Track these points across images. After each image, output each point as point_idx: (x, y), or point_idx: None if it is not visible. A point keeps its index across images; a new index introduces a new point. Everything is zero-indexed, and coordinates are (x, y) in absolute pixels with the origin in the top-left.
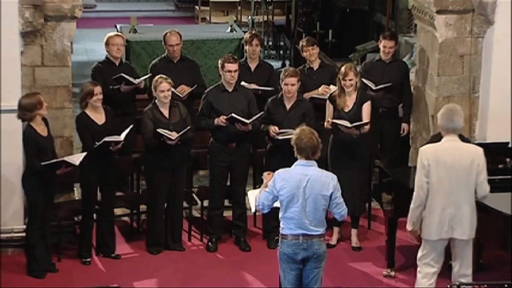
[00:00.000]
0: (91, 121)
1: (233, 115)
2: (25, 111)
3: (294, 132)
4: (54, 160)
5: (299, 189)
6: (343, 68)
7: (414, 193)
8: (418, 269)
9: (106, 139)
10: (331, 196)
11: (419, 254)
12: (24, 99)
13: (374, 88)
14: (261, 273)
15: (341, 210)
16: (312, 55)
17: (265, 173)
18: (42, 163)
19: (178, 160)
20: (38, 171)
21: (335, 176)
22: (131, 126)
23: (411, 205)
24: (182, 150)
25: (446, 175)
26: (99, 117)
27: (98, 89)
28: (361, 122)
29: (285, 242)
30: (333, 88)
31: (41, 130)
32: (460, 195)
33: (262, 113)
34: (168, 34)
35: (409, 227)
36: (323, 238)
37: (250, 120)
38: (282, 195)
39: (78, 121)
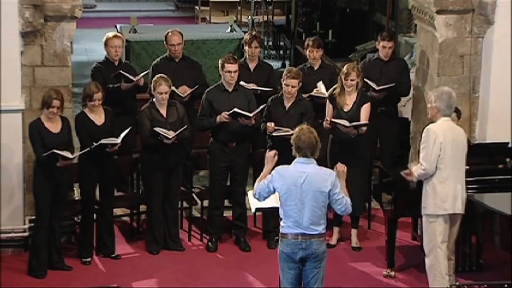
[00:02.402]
0: (89, 121)
1: (236, 109)
2: (42, 104)
3: (294, 131)
4: (48, 152)
5: (296, 186)
6: (345, 68)
7: (420, 167)
8: (438, 251)
9: (103, 141)
10: (329, 193)
11: (439, 238)
12: (48, 91)
13: (377, 88)
14: (261, 273)
15: (341, 206)
16: (316, 57)
17: (270, 152)
18: (43, 155)
19: (174, 159)
20: (43, 163)
21: (334, 173)
22: (130, 128)
23: (421, 172)
24: (179, 150)
25: (453, 153)
26: (98, 118)
27: (98, 95)
28: (360, 123)
29: (284, 241)
30: (321, 86)
31: (51, 126)
32: (461, 171)
33: (264, 105)
34: (170, 33)
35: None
36: (323, 238)
37: (253, 113)
38: (280, 192)
39: (77, 121)
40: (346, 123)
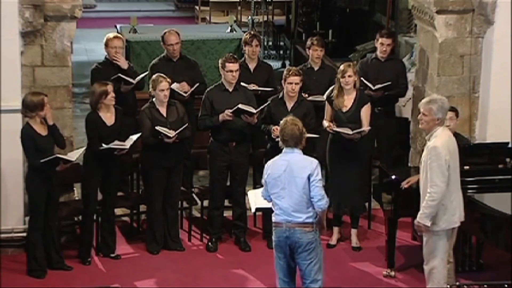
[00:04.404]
0: (101, 122)
1: (240, 106)
2: (27, 109)
3: (280, 124)
4: (51, 157)
5: (279, 173)
6: (341, 67)
7: (435, 189)
8: (439, 261)
9: (112, 145)
10: (309, 178)
11: (442, 248)
12: (29, 96)
13: (373, 88)
14: (261, 273)
15: (318, 195)
16: (320, 56)
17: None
18: (41, 160)
19: (175, 158)
20: (38, 168)
21: (317, 162)
22: (140, 134)
23: (432, 202)
24: (179, 148)
25: (455, 163)
26: (109, 118)
27: (110, 88)
28: (363, 129)
29: (274, 230)
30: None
31: (41, 129)
32: (458, 179)
33: (267, 103)
34: (166, 33)
35: (428, 222)
36: (309, 228)
37: (256, 110)
38: (268, 181)
39: (88, 121)
40: (349, 131)
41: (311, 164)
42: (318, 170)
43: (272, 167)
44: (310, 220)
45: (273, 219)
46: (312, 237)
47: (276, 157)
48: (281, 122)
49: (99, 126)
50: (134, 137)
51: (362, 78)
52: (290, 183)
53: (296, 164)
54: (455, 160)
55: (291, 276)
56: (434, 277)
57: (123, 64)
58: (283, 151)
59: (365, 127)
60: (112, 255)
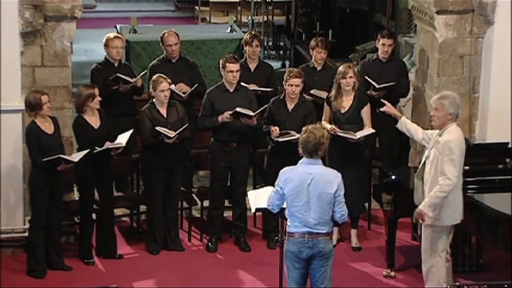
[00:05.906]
0: (88, 125)
1: (238, 109)
2: (27, 108)
3: (302, 130)
4: (53, 157)
5: (303, 187)
6: (341, 68)
7: (447, 182)
8: (438, 259)
9: (108, 146)
10: (335, 194)
11: (440, 246)
12: (28, 95)
13: (377, 86)
14: (261, 273)
15: (342, 210)
16: (324, 57)
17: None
18: (43, 159)
19: (175, 159)
20: (40, 167)
21: (340, 175)
22: (132, 130)
23: (441, 194)
24: (179, 149)
25: (462, 162)
26: (94, 120)
27: (97, 91)
28: (368, 133)
29: (291, 240)
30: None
31: (46, 127)
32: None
33: (267, 105)
34: (166, 34)
35: (430, 213)
36: (329, 237)
37: (255, 113)
38: (287, 192)
39: (76, 126)
40: (354, 136)
41: (337, 179)
42: (342, 184)
43: (294, 179)
44: (330, 230)
45: (290, 230)
46: (332, 244)
47: (295, 168)
48: (303, 129)
49: (87, 129)
50: (126, 135)
51: (366, 77)
52: (314, 197)
53: (321, 178)
54: (462, 159)
55: (304, 284)
56: (433, 276)
57: (139, 83)
58: (302, 160)
59: (368, 128)
60: (116, 256)
